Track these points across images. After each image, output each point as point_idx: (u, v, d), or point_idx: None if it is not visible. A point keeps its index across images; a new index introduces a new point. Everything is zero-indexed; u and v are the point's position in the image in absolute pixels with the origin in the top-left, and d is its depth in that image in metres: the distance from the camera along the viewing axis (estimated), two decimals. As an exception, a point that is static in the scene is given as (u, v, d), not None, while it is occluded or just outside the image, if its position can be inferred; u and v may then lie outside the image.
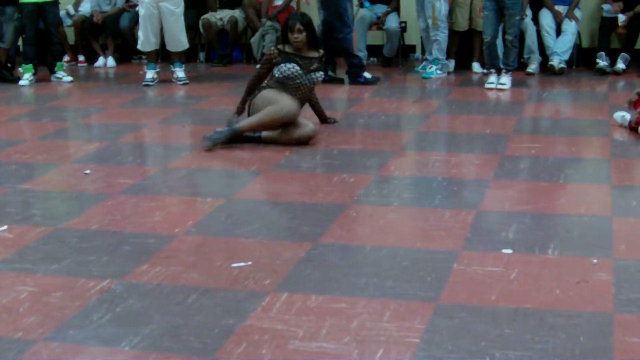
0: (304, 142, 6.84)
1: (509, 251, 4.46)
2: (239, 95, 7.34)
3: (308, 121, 6.98)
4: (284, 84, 6.93)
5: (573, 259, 4.38)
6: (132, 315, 3.82)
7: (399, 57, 11.09)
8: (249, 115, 7.01)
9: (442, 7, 10.03)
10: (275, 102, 6.76)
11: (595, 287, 4.02)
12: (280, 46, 7.04)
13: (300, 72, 6.91)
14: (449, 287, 4.05)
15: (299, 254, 4.50)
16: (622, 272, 4.19)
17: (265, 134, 6.86)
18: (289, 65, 6.92)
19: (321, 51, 7.15)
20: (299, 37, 6.94)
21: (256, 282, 4.14)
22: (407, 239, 4.81)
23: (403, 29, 11.05)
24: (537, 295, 3.93)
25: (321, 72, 7.17)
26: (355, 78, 9.71)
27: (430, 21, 10.06)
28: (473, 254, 4.47)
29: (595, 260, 4.32)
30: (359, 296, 3.95)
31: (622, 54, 10.12)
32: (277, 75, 6.95)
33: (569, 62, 10.25)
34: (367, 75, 9.71)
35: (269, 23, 11.07)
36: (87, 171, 6.21)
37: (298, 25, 6.94)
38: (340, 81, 9.80)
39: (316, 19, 10.83)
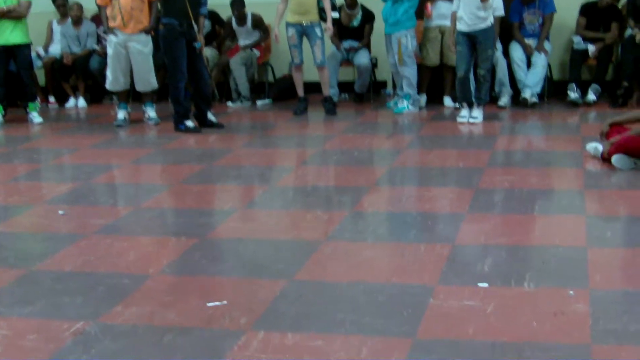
0: None
1: (485, 285, 4.45)
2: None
3: None
4: None
5: (549, 291, 4.38)
6: (108, 356, 3.77)
7: (370, 92, 11.14)
8: None
9: (409, 43, 10.05)
10: None
11: (572, 319, 4.02)
12: None
13: None
14: (425, 322, 4.03)
15: (274, 291, 4.47)
16: (599, 302, 4.19)
17: None
18: None
19: None
20: None
21: (232, 321, 4.10)
22: (382, 274, 4.78)
23: (374, 65, 11.09)
24: (514, 329, 3.92)
25: None
26: (177, 125, 9.55)
27: (397, 57, 10.10)
28: (449, 288, 4.46)
29: (571, 292, 4.31)
30: (336, 333, 3.92)
31: (593, 85, 10.23)
32: None
33: (540, 95, 10.31)
34: (189, 124, 9.50)
35: (233, 60, 11.15)
36: (62, 212, 6.16)
37: None
38: (221, 126, 9.65)
39: (285, 58, 10.95)
